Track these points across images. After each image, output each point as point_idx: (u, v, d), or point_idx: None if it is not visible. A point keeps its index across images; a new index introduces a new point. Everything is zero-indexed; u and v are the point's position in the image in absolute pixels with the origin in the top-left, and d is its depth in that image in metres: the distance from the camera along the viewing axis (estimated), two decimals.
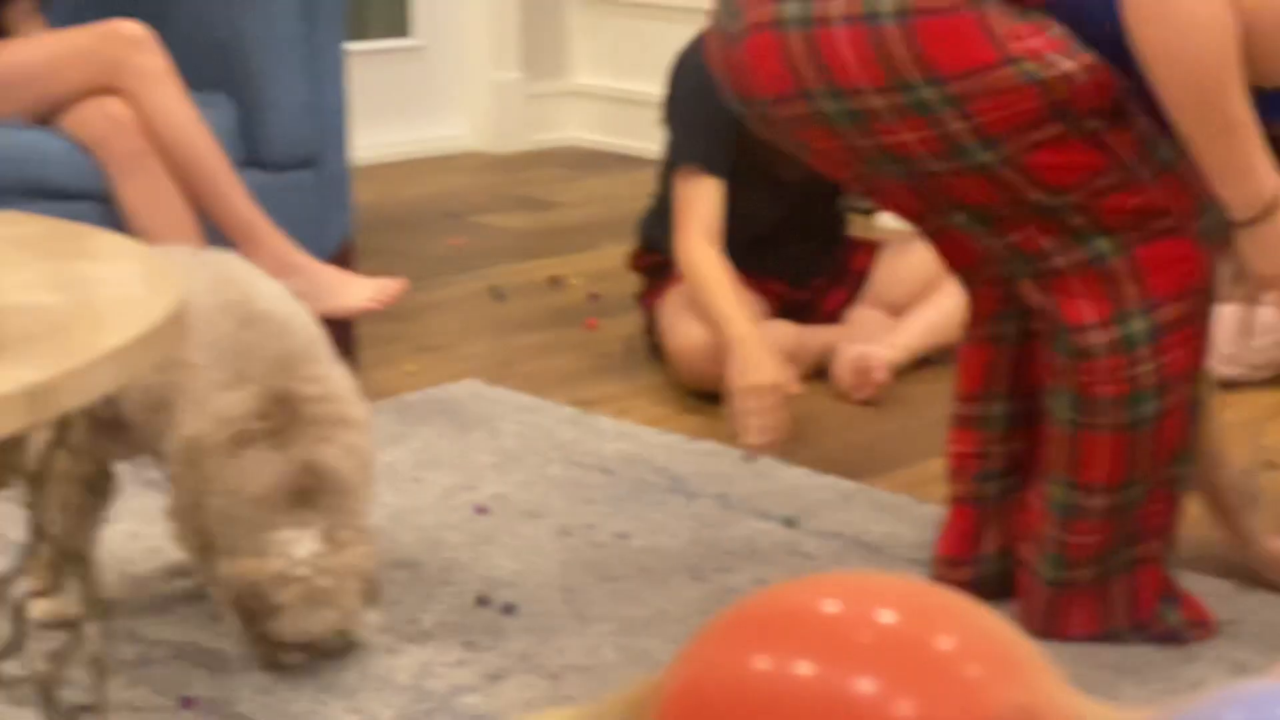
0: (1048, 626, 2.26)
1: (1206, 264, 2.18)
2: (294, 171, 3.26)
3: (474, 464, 2.89)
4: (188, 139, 2.99)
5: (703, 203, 3.27)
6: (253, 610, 2.12)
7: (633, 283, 3.56)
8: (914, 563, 2.51)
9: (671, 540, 2.60)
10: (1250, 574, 2.47)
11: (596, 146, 5.57)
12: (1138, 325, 2.15)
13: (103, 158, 2.97)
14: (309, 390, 2.17)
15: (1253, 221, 2.10)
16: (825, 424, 3.15)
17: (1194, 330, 2.18)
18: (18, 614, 1.86)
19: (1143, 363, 2.16)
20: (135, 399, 2.17)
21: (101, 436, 2.20)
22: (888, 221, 4.37)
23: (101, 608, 1.84)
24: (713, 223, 3.26)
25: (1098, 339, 2.16)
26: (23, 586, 2.09)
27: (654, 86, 3.44)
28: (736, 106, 2.27)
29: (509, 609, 2.36)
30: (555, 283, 4.04)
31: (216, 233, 3.03)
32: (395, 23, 5.51)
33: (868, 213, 4.45)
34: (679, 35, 3.48)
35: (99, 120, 2.96)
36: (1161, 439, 2.19)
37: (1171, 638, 2.28)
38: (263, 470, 2.12)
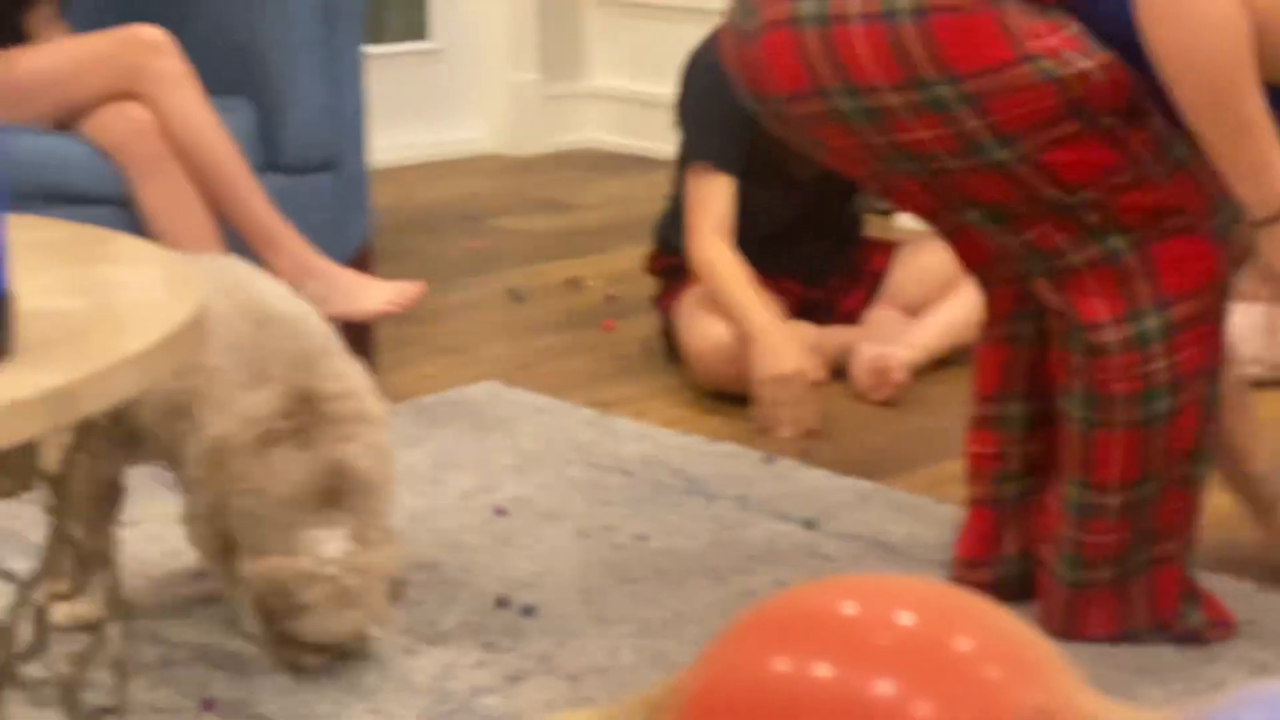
0: (1067, 627, 2.26)
1: (1221, 262, 2.17)
2: (313, 175, 3.26)
3: (493, 466, 2.89)
4: (207, 143, 2.99)
5: (715, 200, 3.27)
6: (277, 610, 2.12)
7: (651, 284, 3.56)
8: (933, 564, 2.51)
9: (690, 542, 2.60)
10: (1272, 574, 2.46)
11: (614, 148, 5.57)
12: (1152, 323, 2.15)
13: (123, 162, 2.98)
14: (330, 388, 2.17)
15: (1271, 220, 2.10)
16: (844, 425, 3.15)
17: (1208, 328, 2.18)
18: (40, 617, 1.86)
19: (1156, 360, 2.16)
20: (152, 406, 2.17)
21: (115, 444, 2.20)
22: (905, 222, 4.37)
23: (123, 610, 1.85)
24: (725, 220, 3.27)
25: (1112, 336, 2.16)
26: (45, 590, 2.10)
27: (672, 88, 3.44)
28: (751, 104, 2.27)
29: (528, 610, 2.36)
30: (573, 285, 4.05)
31: (235, 236, 3.04)
32: (413, 26, 5.51)
33: (886, 213, 4.45)
34: (696, 37, 3.48)
35: (119, 125, 2.97)
36: (1175, 437, 2.19)
37: (1192, 638, 2.27)
38: (290, 469, 2.12)
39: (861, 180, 2.33)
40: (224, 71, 3.23)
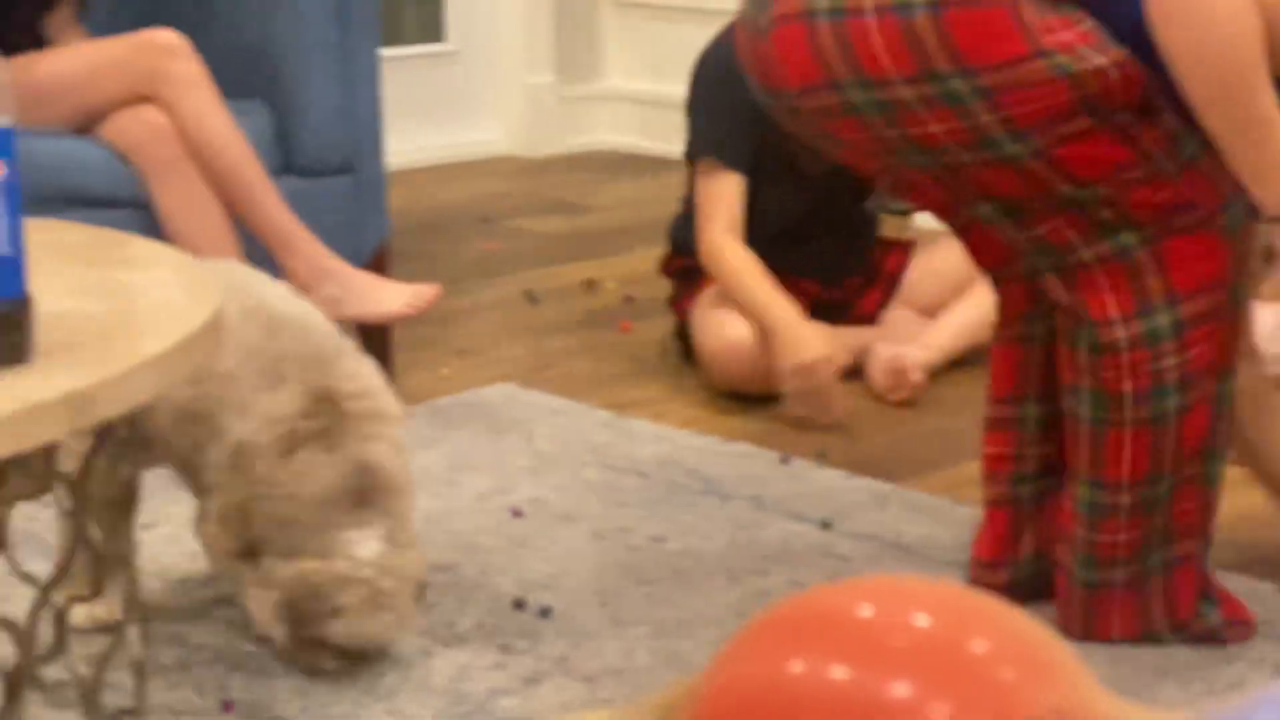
0: (1085, 629, 2.26)
1: (1232, 259, 2.17)
2: (329, 177, 3.27)
3: (509, 467, 2.90)
4: (223, 146, 3.00)
5: (724, 198, 3.28)
6: (310, 613, 2.13)
7: (666, 286, 3.57)
8: (950, 565, 2.51)
9: (706, 543, 2.60)
10: None
11: (630, 150, 5.57)
12: (1162, 319, 2.15)
13: (140, 165, 2.99)
14: (348, 386, 2.18)
15: None
16: (860, 426, 3.14)
17: (1219, 325, 2.18)
18: (59, 619, 1.87)
19: (1166, 357, 2.16)
20: (166, 413, 2.17)
21: (131, 447, 2.21)
22: (922, 222, 4.37)
23: (142, 612, 1.86)
24: (735, 217, 3.28)
25: (1122, 333, 2.16)
26: (64, 592, 2.10)
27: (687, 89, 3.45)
28: (763, 99, 2.27)
29: (545, 612, 2.37)
30: (589, 286, 4.05)
31: (251, 239, 3.05)
32: (429, 28, 5.52)
33: (904, 213, 4.44)
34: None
35: (136, 128, 2.98)
36: (1185, 435, 2.19)
37: (1210, 638, 2.27)
38: (320, 470, 2.13)
39: (874, 175, 2.34)
40: (240, 75, 3.24)
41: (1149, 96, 2.10)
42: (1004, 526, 2.37)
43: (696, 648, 2.27)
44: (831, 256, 3.46)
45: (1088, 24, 2.08)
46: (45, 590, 1.75)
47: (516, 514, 2.70)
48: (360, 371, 2.21)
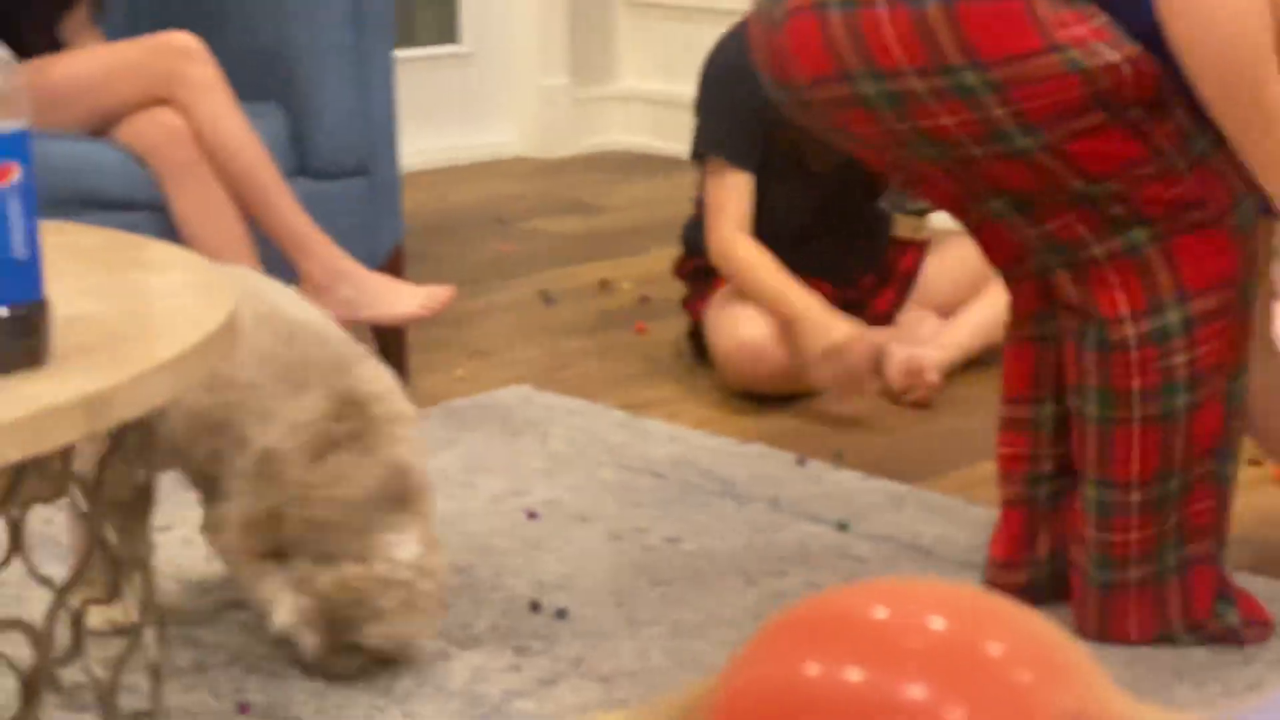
0: (1101, 630, 2.26)
1: (1243, 256, 2.17)
2: (344, 179, 3.27)
3: (524, 469, 2.90)
4: (238, 149, 3.00)
5: (733, 197, 3.29)
6: (350, 618, 2.13)
7: (681, 286, 3.56)
8: (967, 566, 2.51)
9: (722, 544, 2.60)
10: None
11: (645, 150, 5.57)
12: (1172, 317, 2.15)
13: (155, 168, 2.99)
14: (372, 390, 2.18)
15: None
16: (876, 427, 3.14)
17: (1229, 323, 2.17)
18: (76, 621, 1.87)
19: (1176, 354, 2.15)
20: (182, 421, 2.17)
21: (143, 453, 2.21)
22: (937, 222, 4.36)
23: (158, 614, 1.86)
24: (744, 215, 3.28)
25: (1131, 331, 2.16)
26: (80, 594, 2.11)
27: None
28: (776, 93, 2.27)
29: (560, 614, 2.36)
30: (604, 287, 4.05)
31: (266, 241, 3.05)
32: (444, 29, 5.53)
33: (919, 213, 4.44)
34: None
35: (152, 131, 2.98)
36: (1196, 433, 2.19)
37: (1228, 638, 2.26)
38: (357, 473, 2.13)
39: (885, 169, 2.33)
40: (255, 77, 3.24)
41: (1161, 92, 2.10)
42: (1020, 527, 2.37)
43: (712, 649, 2.27)
44: (843, 256, 3.46)
45: (1101, 19, 2.07)
46: (61, 593, 1.75)
47: (532, 515, 2.70)
48: (380, 375, 2.22)
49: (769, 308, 3.23)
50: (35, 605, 2.37)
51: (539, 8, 5.45)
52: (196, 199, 2.99)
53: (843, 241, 3.46)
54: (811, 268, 3.38)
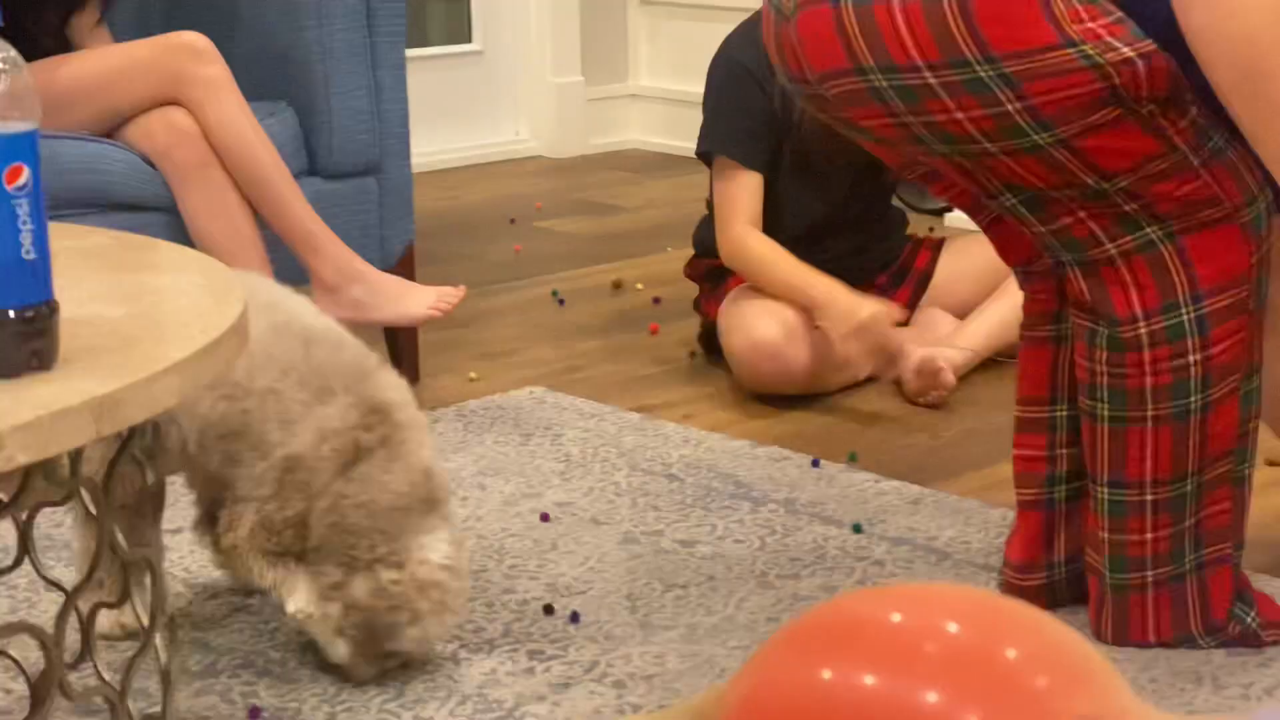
0: (1119, 633, 2.24)
1: (1256, 255, 2.15)
2: (355, 179, 3.26)
3: (537, 471, 2.89)
4: (249, 149, 3.00)
5: (742, 195, 3.28)
6: (390, 625, 2.13)
7: (694, 287, 3.55)
8: (983, 568, 2.49)
9: (738, 547, 2.59)
10: None
11: (658, 149, 5.57)
12: (1185, 315, 2.13)
13: (165, 168, 2.98)
14: (393, 396, 2.19)
15: None
16: (892, 428, 3.13)
17: (1242, 322, 2.16)
18: (85, 625, 1.87)
19: (1188, 354, 2.14)
20: (198, 428, 2.17)
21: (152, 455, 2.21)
22: (953, 221, 4.35)
23: (168, 618, 1.85)
24: (755, 214, 3.28)
25: (1144, 329, 2.14)
26: (90, 598, 2.10)
27: None
28: (789, 86, 2.25)
29: (574, 617, 2.35)
30: (618, 288, 4.04)
31: (278, 242, 3.04)
32: (455, 28, 5.52)
33: (935, 213, 4.43)
34: None
35: (163, 131, 2.98)
36: (1209, 433, 2.17)
37: (1247, 640, 2.25)
38: (391, 479, 2.14)
39: (899, 165, 2.32)
40: (266, 77, 3.23)
41: (1176, 89, 2.08)
42: (1037, 529, 2.36)
43: (728, 653, 2.26)
44: (855, 254, 3.44)
45: (1116, 14, 2.05)
46: (71, 596, 1.74)
47: (545, 518, 2.69)
48: (398, 382, 2.23)
49: (790, 298, 3.23)
50: (45, 609, 2.36)
51: (551, 7, 5.45)
52: (206, 200, 2.98)
53: (855, 240, 3.44)
54: (824, 267, 3.36)
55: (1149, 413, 2.17)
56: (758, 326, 3.22)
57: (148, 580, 1.84)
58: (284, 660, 2.25)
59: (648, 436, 3.05)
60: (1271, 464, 2.78)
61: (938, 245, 3.53)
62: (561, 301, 3.93)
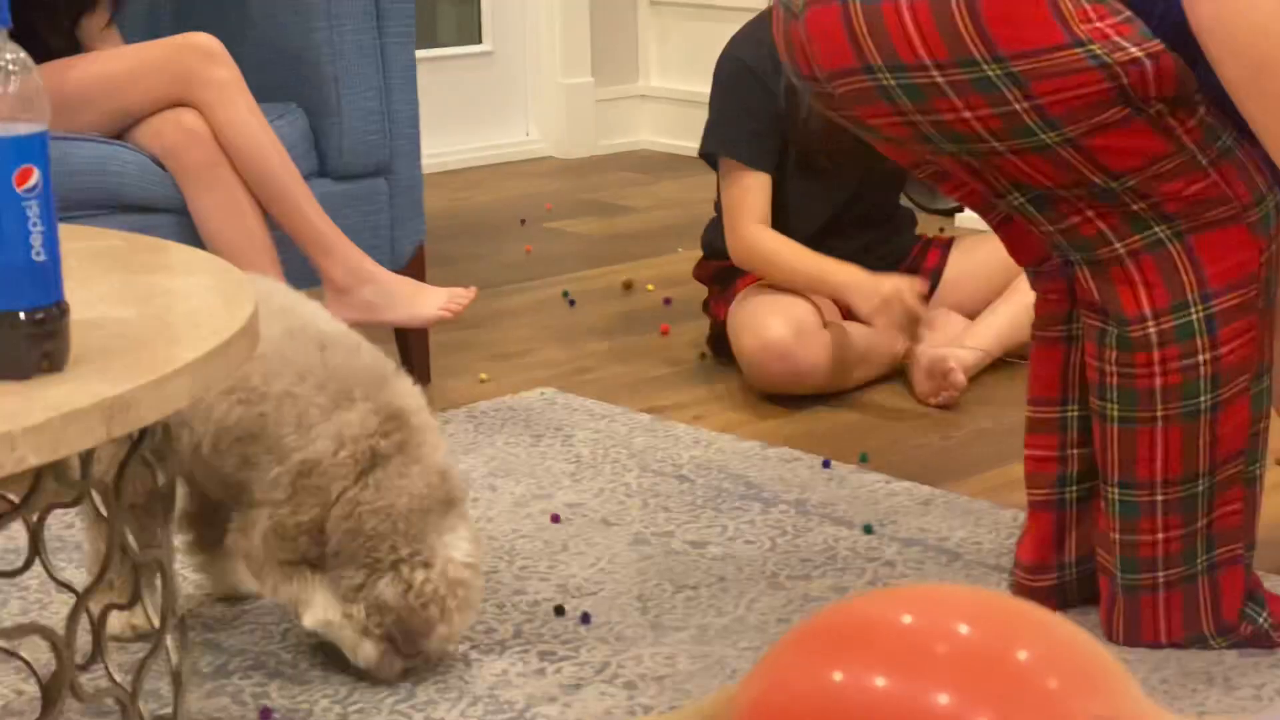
0: (1130, 633, 2.24)
1: (1263, 254, 2.15)
2: (366, 180, 3.26)
3: (548, 472, 2.89)
4: (259, 150, 3.00)
5: (750, 195, 3.28)
6: (422, 624, 2.13)
7: (704, 288, 3.55)
8: (994, 569, 2.49)
9: (748, 548, 2.59)
10: None
11: (668, 150, 5.57)
12: (1194, 315, 2.13)
13: (176, 170, 2.98)
14: (409, 402, 2.20)
15: None
16: (903, 429, 3.12)
17: (1251, 321, 2.16)
18: (96, 627, 1.87)
19: (1198, 354, 2.14)
20: (212, 432, 2.17)
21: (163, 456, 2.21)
22: (964, 221, 4.34)
23: (180, 619, 1.85)
24: (764, 213, 3.28)
25: (1153, 329, 2.14)
26: (100, 599, 2.10)
27: None
28: (799, 84, 2.25)
29: (585, 618, 2.35)
30: (628, 288, 4.04)
31: (288, 243, 3.04)
32: (465, 29, 5.52)
33: (945, 213, 4.43)
34: None
35: (173, 132, 2.98)
36: (1219, 433, 2.17)
37: (1259, 641, 2.24)
38: (408, 483, 2.14)
39: (908, 164, 2.32)
40: (276, 78, 3.24)
41: (1184, 88, 2.08)
42: (1048, 529, 2.35)
43: (738, 654, 2.26)
44: (863, 255, 3.43)
45: (1125, 14, 2.05)
46: (82, 598, 1.74)
47: (556, 519, 2.69)
48: (413, 389, 2.24)
49: (810, 289, 3.25)
50: (56, 610, 2.37)
51: (561, 7, 5.45)
52: (217, 201, 2.98)
53: (862, 240, 3.44)
54: None
55: (1158, 413, 2.16)
56: (767, 327, 3.22)
57: (158, 581, 1.84)
58: (295, 661, 2.25)
59: (658, 437, 3.04)
60: None
61: (947, 245, 3.53)
62: (572, 302, 3.93)
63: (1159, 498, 2.19)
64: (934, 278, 3.48)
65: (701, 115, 3.39)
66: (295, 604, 2.19)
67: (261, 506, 2.17)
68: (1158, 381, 2.15)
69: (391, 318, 3.12)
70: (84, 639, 1.87)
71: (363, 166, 3.25)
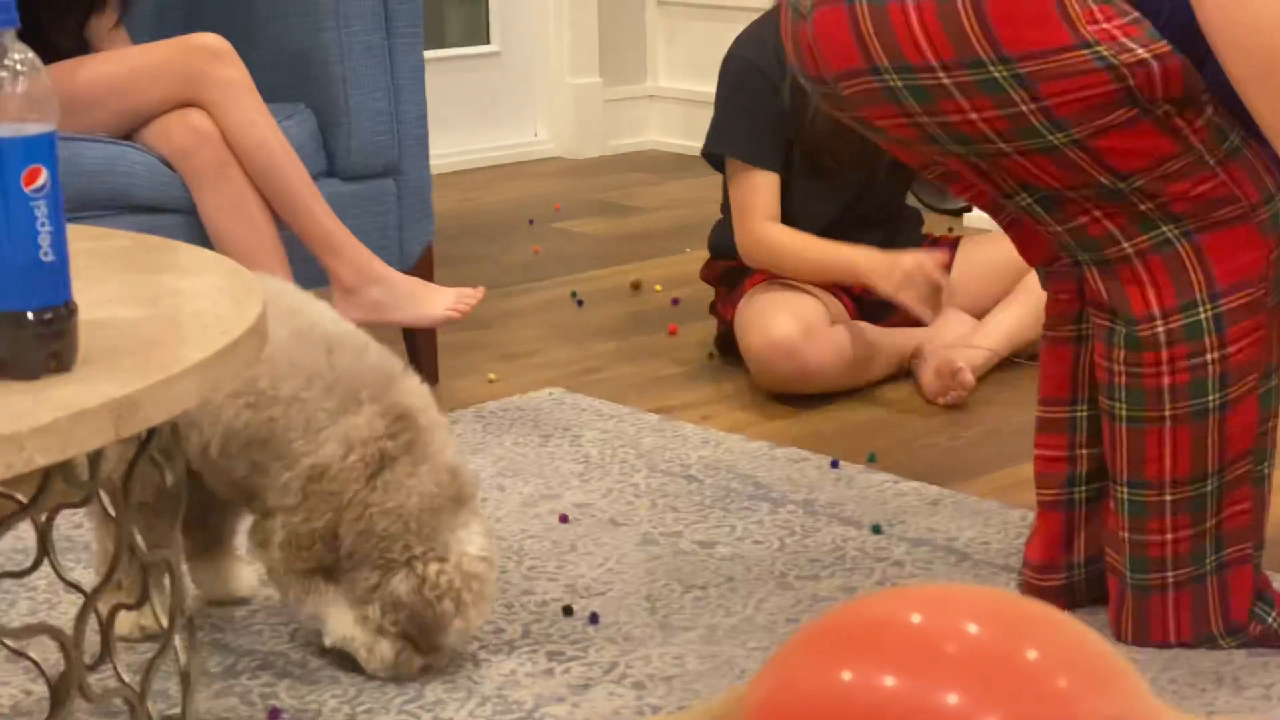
0: (1139, 633, 2.24)
1: (1273, 253, 2.15)
2: (374, 181, 3.26)
3: (556, 472, 2.89)
4: (267, 150, 3.00)
5: (759, 194, 3.28)
6: (439, 617, 2.14)
7: (712, 289, 3.55)
8: (1003, 569, 2.49)
9: (757, 548, 2.58)
10: None
11: (676, 150, 5.56)
12: (1202, 314, 2.13)
13: (185, 170, 2.98)
14: (416, 402, 2.20)
15: None
16: (911, 429, 3.12)
17: (1259, 320, 2.15)
18: (105, 627, 1.87)
19: (1206, 353, 2.13)
20: (221, 437, 2.17)
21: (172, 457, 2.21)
22: (973, 221, 4.34)
23: (188, 619, 1.85)
24: (775, 212, 3.28)
25: (1161, 328, 2.14)
26: (109, 599, 2.10)
27: None
28: (808, 85, 2.25)
29: (594, 619, 2.35)
30: (636, 289, 4.04)
31: (296, 243, 3.04)
32: (473, 29, 5.52)
33: (956, 214, 4.42)
34: None
35: (181, 132, 2.98)
36: (1228, 432, 2.16)
37: (1268, 640, 2.24)
38: (417, 483, 2.14)
39: (917, 165, 2.32)
40: (284, 78, 3.24)
41: (1191, 89, 2.07)
42: (1057, 529, 2.35)
43: (747, 654, 2.26)
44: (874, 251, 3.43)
45: (1132, 15, 2.05)
46: (90, 598, 1.74)
47: (564, 519, 2.68)
48: (420, 388, 2.23)
49: (828, 275, 3.27)
50: (64, 610, 2.37)
51: (569, 7, 5.45)
52: (225, 201, 2.98)
53: (869, 239, 3.43)
54: None
55: (1167, 412, 2.16)
56: (775, 325, 3.22)
57: (167, 581, 1.84)
58: (304, 661, 2.25)
59: (666, 437, 3.04)
60: None
61: (954, 244, 3.52)
62: (580, 303, 3.93)
63: (1168, 498, 2.19)
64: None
65: (710, 115, 3.39)
66: (316, 622, 2.20)
67: (275, 515, 2.17)
68: (1166, 380, 2.15)
69: (400, 318, 3.12)
70: (92, 639, 1.87)
71: (371, 167, 3.25)
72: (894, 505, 2.73)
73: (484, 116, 5.46)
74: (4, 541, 2.55)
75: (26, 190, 1.51)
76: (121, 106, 2.99)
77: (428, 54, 3.43)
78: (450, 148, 5.27)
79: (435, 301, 3.13)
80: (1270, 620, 2.24)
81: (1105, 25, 2.03)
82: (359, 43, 3.21)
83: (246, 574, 2.41)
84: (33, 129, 1.51)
